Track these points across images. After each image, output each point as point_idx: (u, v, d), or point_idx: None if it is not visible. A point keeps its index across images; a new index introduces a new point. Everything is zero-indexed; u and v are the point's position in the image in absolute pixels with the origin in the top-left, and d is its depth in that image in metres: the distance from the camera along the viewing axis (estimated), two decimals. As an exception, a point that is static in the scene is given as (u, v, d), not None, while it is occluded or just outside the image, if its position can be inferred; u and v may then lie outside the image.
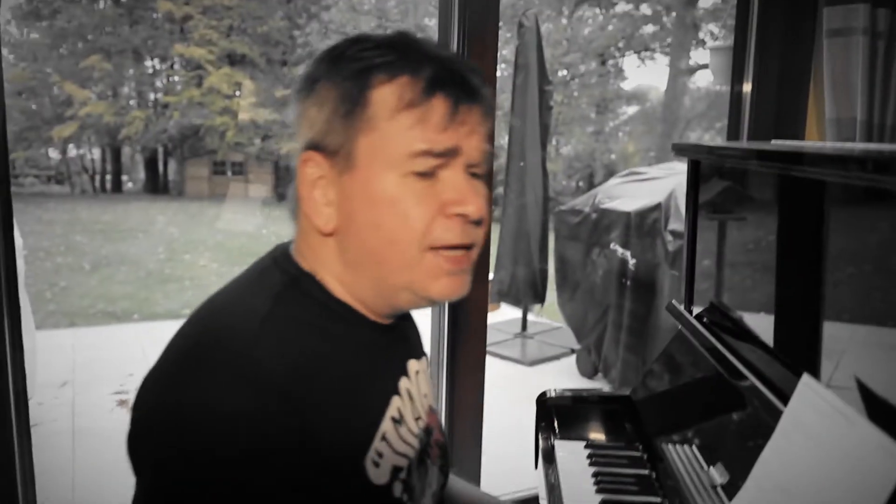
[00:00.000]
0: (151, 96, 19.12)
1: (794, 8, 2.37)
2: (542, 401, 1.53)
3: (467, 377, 2.13)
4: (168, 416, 0.67)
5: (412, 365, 0.89)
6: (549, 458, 1.39)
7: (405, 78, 0.73)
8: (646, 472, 1.27)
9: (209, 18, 17.95)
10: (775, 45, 2.43)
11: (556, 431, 1.47)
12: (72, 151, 19.33)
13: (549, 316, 6.15)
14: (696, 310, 1.48)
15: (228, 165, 20.30)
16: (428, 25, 18.66)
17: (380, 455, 0.76)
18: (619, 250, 3.99)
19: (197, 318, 0.75)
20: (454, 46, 1.95)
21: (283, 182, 20.12)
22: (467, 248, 0.77)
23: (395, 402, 0.82)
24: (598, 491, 1.23)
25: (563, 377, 4.65)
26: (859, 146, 1.79)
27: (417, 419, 0.85)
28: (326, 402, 0.71)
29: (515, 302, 5.18)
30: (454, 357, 2.11)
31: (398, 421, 0.80)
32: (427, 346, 1.06)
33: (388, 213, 0.74)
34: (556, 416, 1.50)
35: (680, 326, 1.42)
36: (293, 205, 0.82)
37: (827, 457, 0.77)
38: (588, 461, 1.34)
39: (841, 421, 0.76)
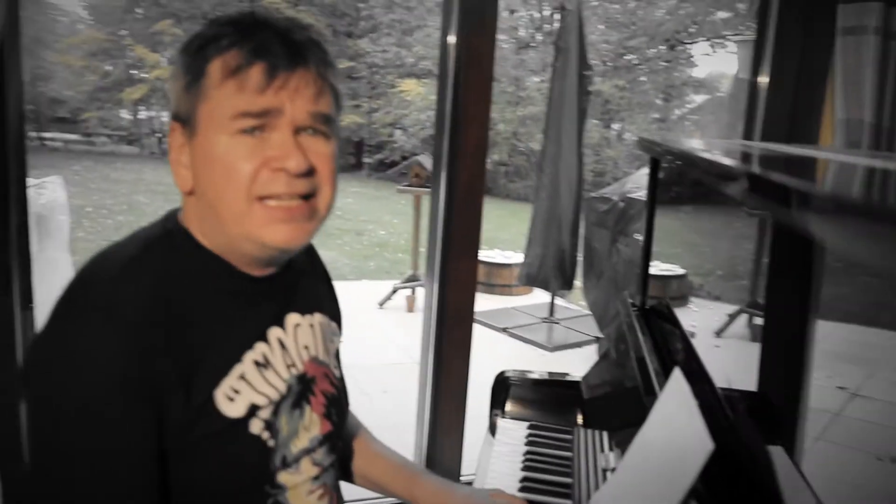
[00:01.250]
0: (220, 64, 19.50)
1: (813, 3, 2.33)
2: (500, 380, 1.59)
3: (453, 355, 2.19)
4: (36, 360, 0.80)
5: (292, 318, 0.98)
6: (491, 434, 1.45)
7: (233, 51, 0.83)
8: (570, 454, 1.32)
9: (278, -13, 18.21)
10: (794, 40, 2.38)
11: (504, 410, 1.52)
12: (142, 114, 19.95)
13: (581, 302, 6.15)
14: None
15: (290, 135, 20.63)
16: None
17: (236, 392, 0.85)
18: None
19: (80, 268, 0.86)
20: (453, 27, 2.00)
21: (342, 153, 20.39)
22: (303, 197, 0.86)
23: (260, 347, 0.91)
24: (523, 469, 1.28)
25: (584, 364, 4.66)
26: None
27: (290, 366, 0.94)
28: (180, 340, 0.81)
29: (543, 286, 5.20)
30: (440, 335, 2.17)
31: (262, 364, 0.90)
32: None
33: (218, 170, 0.83)
34: (510, 395, 1.56)
35: (623, 319, 1.46)
36: None
37: (669, 443, 0.81)
38: (525, 440, 1.40)
39: (685, 412, 0.81)
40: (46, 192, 3.33)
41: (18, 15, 1.69)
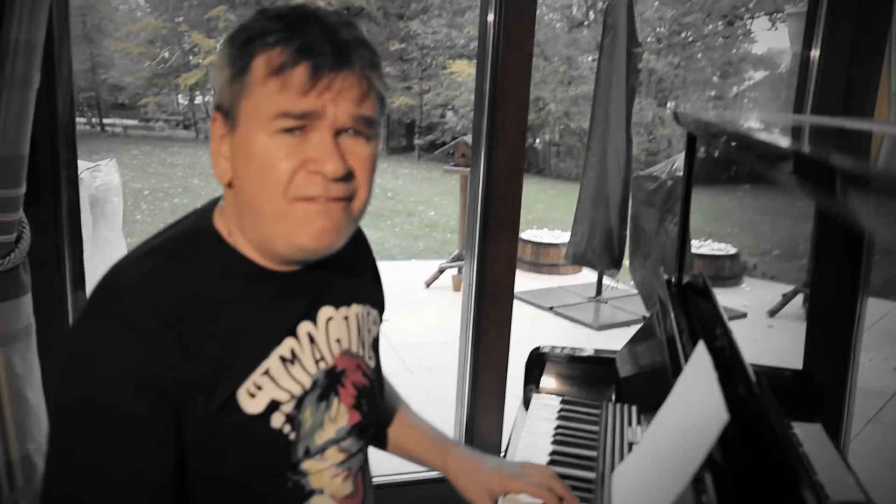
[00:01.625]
0: (273, 47, 19.76)
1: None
2: (535, 355, 1.59)
3: (492, 332, 2.20)
4: (57, 364, 0.82)
5: (324, 312, 0.97)
6: (525, 408, 1.47)
7: (278, 48, 0.81)
8: (597, 428, 1.33)
9: (330, -30, 18.31)
10: (848, 10, 2.30)
11: (538, 385, 1.53)
12: (198, 99, 20.37)
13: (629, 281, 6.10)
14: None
15: (342, 117, 20.79)
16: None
17: (258, 388, 0.86)
18: (692, 219, 3.91)
19: (106, 272, 0.87)
20: (492, 6, 2.00)
21: (394, 135, 20.47)
22: (339, 200, 0.85)
23: (289, 342, 0.91)
24: (553, 442, 1.29)
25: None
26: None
27: (319, 361, 0.94)
28: (201, 346, 0.82)
29: (591, 265, 5.16)
30: (479, 312, 2.19)
31: (289, 360, 0.90)
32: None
33: (257, 167, 0.83)
34: (544, 371, 1.56)
35: (657, 295, 1.44)
36: None
37: (688, 415, 0.81)
38: (557, 415, 1.41)
39: (705, 385, 0.80)
40: (101, 174, 3.43)
41: (68, 4, 1.75)
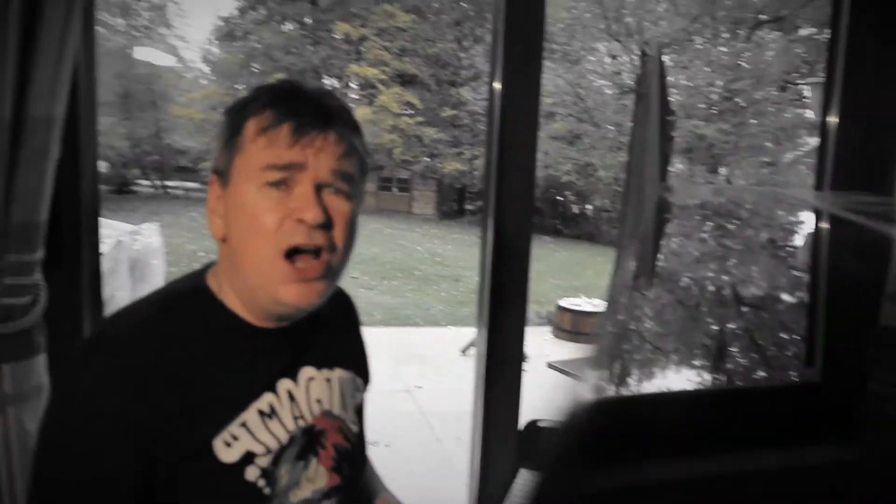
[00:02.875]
0: (328, 113, 20.40)
1: (886, 37, 2.24)
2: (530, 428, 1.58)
3: (502, 400, 2.18)
4: (52, 392, 0.92)
5: (306, 371, 1.03)
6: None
7: (268, 111, 0.92)
8: None
9: (383, 40, 18.97)
10: (866, 70, 2.29)
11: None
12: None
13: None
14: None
15: (394, 182, 21.22)
16: (596, 48, 18.55)
17: (235, 438, 0.91)
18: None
19: (105, 319, 0.94)
20: (497, 78, 2.05)
21: (446, 199, 20.71)
22: (315, 252, 0.92)
23: (267, 397, 0.96)
24: None
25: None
26: None
27: (298, 418, 0.98)
28: (182, 392, 0.88)
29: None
30: (490, 380, 2.17)
31: (267, 415, 0.94)
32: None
33: (247, 219, 0.91)
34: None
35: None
36: None
37: None
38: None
39: None
40: (142, 237, 3.57)
41: (95, 79, 1.86)
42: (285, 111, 0.92)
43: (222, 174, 0.96)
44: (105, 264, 1.89)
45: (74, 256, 1.84)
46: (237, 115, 0.95)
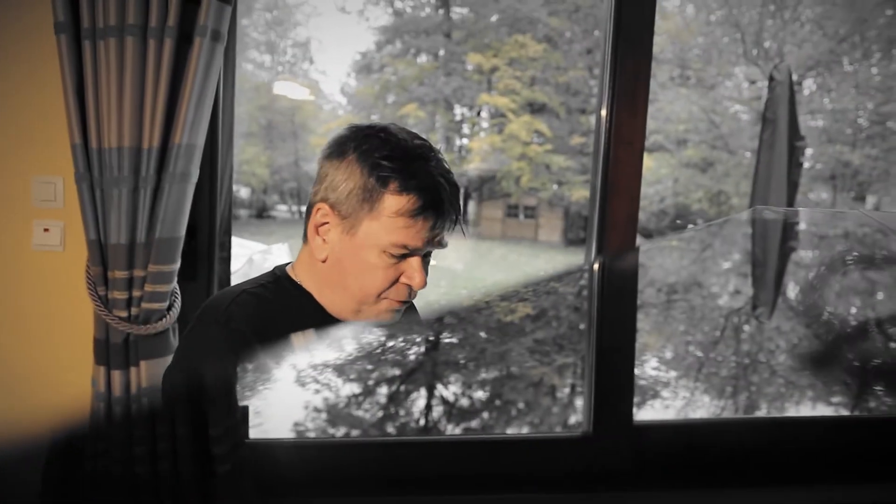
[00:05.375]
0: (457, 142, 20.89)
1: None
2: None
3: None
4: (172, 359, 1.14)
5: None
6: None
7: (411, 196, 1.08)
8: None
9: (514, 69, 19.18)
10: None
11: None
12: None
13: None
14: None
15: (521, 209, 21.28)
16: (732, 73, 17.98)
17: None
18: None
19: (209, 298, 1.18)
20: (606, 105, 2.09)
21: (573, 226, 20.58)
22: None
23: None
24: None
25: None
26: None
27: None
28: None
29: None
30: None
31: None
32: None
33: (366, 272, 1.11)
34: None
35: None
36: (305, 234, 1.20)
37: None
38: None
39: None
40: (272, 257, 3.83)
41: (233, 111, 2.06)
42: (429, 203, 1.08)
43: (344, 216, 1.11)
44: (235, 278, 2.08)
45: (207, 269, 2.05)
46: (378, 181, 1.08)
